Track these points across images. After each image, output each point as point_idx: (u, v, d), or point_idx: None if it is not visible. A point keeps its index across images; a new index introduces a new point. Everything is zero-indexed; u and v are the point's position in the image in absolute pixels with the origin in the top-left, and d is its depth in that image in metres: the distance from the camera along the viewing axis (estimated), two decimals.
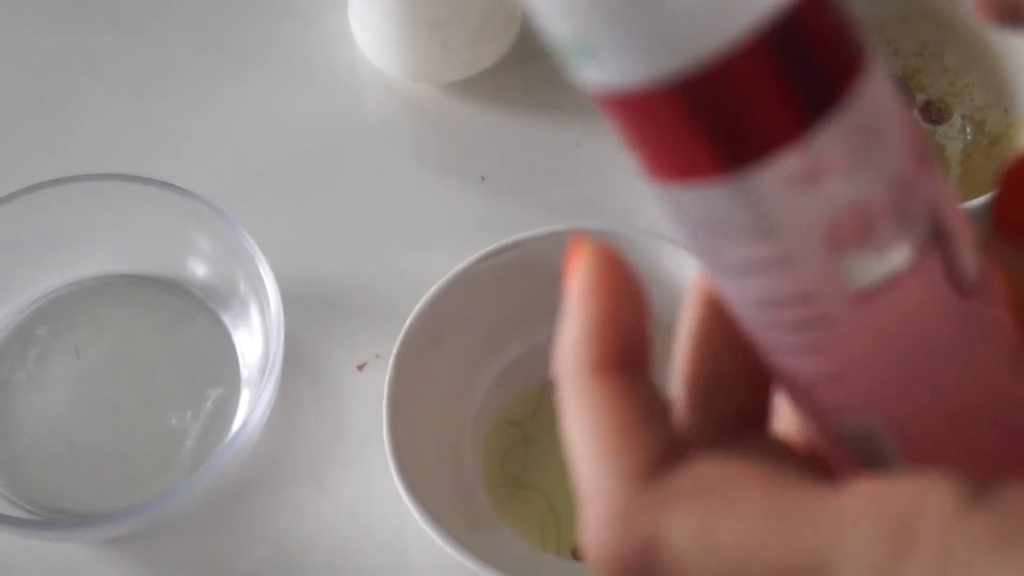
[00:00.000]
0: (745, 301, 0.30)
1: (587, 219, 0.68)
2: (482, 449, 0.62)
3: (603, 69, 0.28)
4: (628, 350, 0.32)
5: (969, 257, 0.29)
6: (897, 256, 0.28)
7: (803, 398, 0.31)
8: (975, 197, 0.62)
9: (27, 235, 0.64)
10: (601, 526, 0.29)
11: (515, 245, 0.62)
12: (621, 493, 0.29)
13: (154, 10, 0.75)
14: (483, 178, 0.70)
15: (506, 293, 0.63)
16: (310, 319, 0.65)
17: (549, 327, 0.64)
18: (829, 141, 0.27)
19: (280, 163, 0.70)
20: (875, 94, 0.28)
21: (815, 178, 0.27)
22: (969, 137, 0.68)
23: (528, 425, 0.63)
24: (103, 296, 0.66)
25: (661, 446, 0.30)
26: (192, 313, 0.65)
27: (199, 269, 0.65)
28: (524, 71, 0.72)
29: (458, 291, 0.61)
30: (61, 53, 0.73)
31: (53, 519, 0.61)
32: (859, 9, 0.74)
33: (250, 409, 0.60)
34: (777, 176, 0.27)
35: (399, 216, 0.69)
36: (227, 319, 0.65)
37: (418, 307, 0.60)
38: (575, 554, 0.60)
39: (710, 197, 0.28)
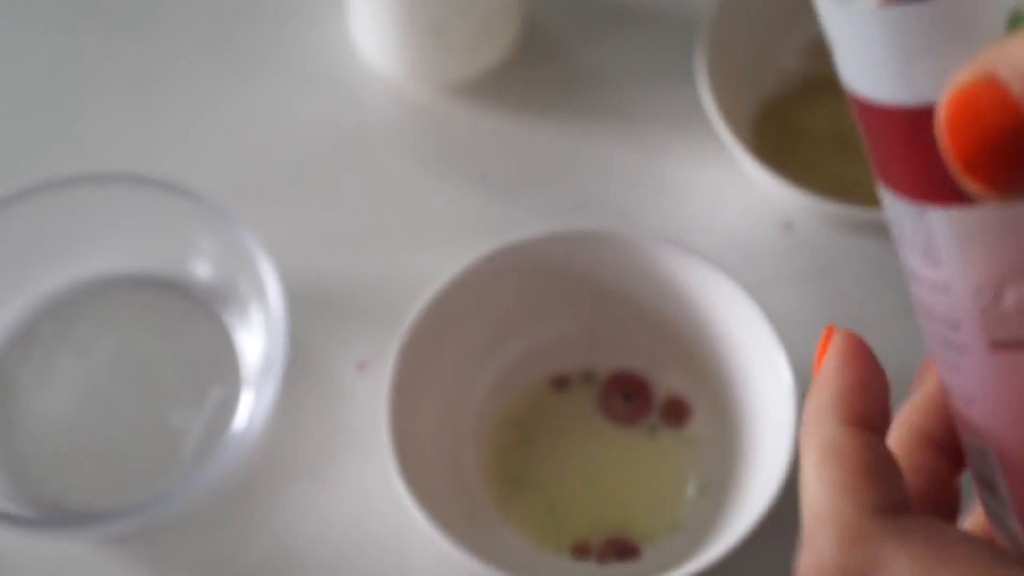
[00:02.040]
0: (919, 303, 0.34)
1: (587, 219, 0.68)
2: (482, 449, 0.62)
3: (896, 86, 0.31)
4: (874, 413, 0.36)
5: None
6: None
7: (951, 404, 0.35)
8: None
9: (30, 235, 0.64)
10: (830, 544, 0.33)
11: (515, 246, 0.62)
12: (857, 519, 0.33)
13: (156, 12, 0.75)
14: (483, 178, 0.70)
15: (506, 293, 0.63)
16: (311, 319, 0.66)
17: (549, 327, 0.64)
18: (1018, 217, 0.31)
19: (281, 164, 0.70)
20: None
21: (985, 238, 0.31)
22: None
23: (528, 424, 0.63)
24: (106, 296, 0.66)
25: (896, 494, 0.34)
26: (194, 313, 0.65)
27: (201, 269, 0.65)
28: (524, 72, 0.72)
29: (458, 291, 0.61)
30: (63, 55, 0.74)
31: (56, 517, 0.61)
32: None
33: (252, 409, 0.60)
34: (956, 221, 0.31)
35: (399, 216, 0.69)
36: (229, 319, 0.65)
37: (418, 307, 0.60)
38: (574, 552, 0.61)
39: (901, 211, 0.32)
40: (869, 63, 0.31)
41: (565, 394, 0.64)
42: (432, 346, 0.61)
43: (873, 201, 0.67)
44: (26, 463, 0.63)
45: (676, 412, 0.63)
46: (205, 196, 0.63)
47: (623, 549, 0.60)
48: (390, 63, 0.71)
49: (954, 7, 0.29)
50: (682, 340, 0.63)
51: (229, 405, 0.63)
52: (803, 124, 0.69)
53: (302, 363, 0.65)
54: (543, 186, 0.70)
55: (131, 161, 0.70)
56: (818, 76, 0.71)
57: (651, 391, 0.64)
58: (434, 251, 0.67)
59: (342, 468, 0.63)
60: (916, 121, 0.31)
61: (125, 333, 0.65)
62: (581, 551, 0.60)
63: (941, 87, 0.30)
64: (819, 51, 0.71)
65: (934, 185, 0.31)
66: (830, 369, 0.36)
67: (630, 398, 0.63)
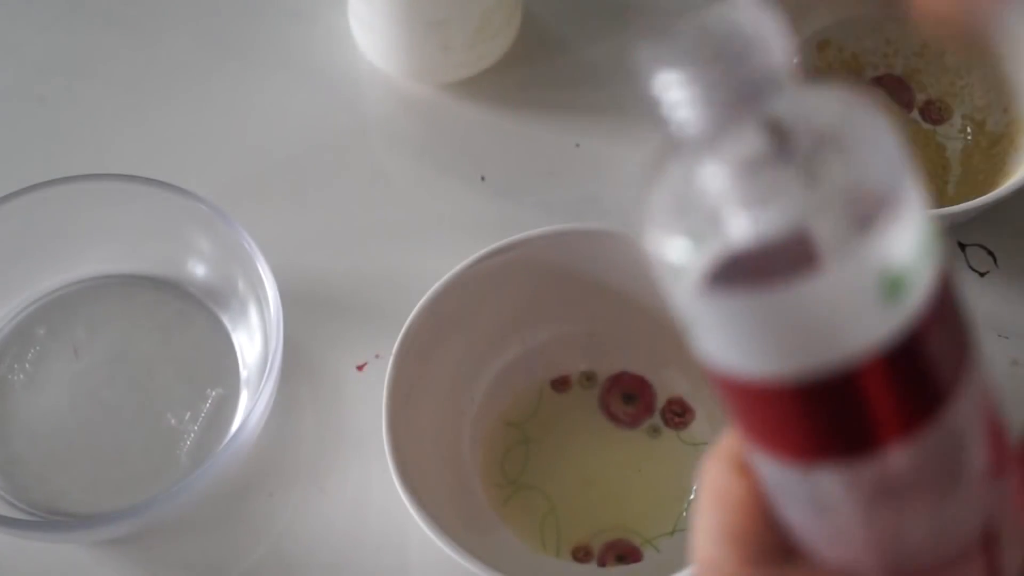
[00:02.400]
0: (795, 521, 0.33)
1: (587, 219, 0.68)
2: (482, 449, 0.62)
3: (738, 358, 0.30)
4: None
5: (1013, 558, 0.32)
6: (943, 554, 0.32)
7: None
8: (975, 197, 0.63)
9: (26, 235, 0.64)
10: None
11: (515, 245, 0.62)
12: (737, 567, 0.33)
13: (153, 10, 0.75)
14: (483, 178, 0.70)
15: (506, 293, 0.63)
16: (309, 319, 0.65)
17: (549, 327, 0.64)
18: (907, 458, 0.30)
19: (279, 163, 0.70)
20: (969, 402, 0.30)
21: (881, 492, 0.31)
22: (969, 137, 0.68)
23: (528, 425, 0.63)
24: (102, 296, 0.66)
25: (779, 542, 0.33)
26: (191, 313, 0.65)
27: (198, 269, 0.65)
28: (524, 71, 0.72)
29: (458, 291, 0.61)
30: (61, 53, 0.73)
31: (51, 520, 0.61)
32: (860, 10, 0.74)
33: (249, 409, 0.60)
34: (841, 478, 0.31)
35: (399, 216, 0.69)
36: (226, 319, 0.65)
37: (418, 307, 0.60)
38: (574, 555, 0.60)
39: (782, 471, 0.32)
40: (735, 342, 0.30)
41: (565, 395, 0.64)
42: (432, 346, 0.61)
43: None
44: (22, 464, 0.62)
45: (677, 413, 0.63)
46: (202, 195, 0.63)
47: (624, 551, 0.60)
48: (390, 61, 0.71)
49: (819, 275, 0.27)
50: (683, 341, 0.63)
51: (226, 406, 0.63)
52: None
53: (301, 363, 0.64)
54: (543, 185, 0.69)
55: (128, 160, 0.70)
56: (820, 72, 0.70)
57: (652, 392, 0.64)
58: (434, 250, 0.67)
59: (341, 469, 0.63)
60: (786, 390, 0.29)
61: (122, 333, 0.65)
62: (581, 554, 0.60)
63: (816, 352, 0.28)
64: (820, 48, 0.70)
65: (811, 446, 0.31)
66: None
67: (631, 399, 0.63)
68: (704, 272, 0.28)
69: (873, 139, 0.28)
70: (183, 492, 0.58)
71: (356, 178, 0.70)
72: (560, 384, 0.64)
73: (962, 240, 0.67)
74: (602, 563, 0.60)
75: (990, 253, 0.67)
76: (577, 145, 0.70)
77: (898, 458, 0.30)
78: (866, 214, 0.27)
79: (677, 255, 0.29)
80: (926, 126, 0.69)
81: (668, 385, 0.63)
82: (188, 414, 0.63)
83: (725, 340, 0.30)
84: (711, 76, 0.27)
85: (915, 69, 0.70)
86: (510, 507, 0.61)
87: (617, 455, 0.62)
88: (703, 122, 0.28)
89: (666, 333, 0.63)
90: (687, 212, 0.29)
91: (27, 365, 0.64)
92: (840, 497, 0.31)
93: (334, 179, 0.70)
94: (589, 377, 0.64)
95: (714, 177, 0.28)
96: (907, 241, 0.28)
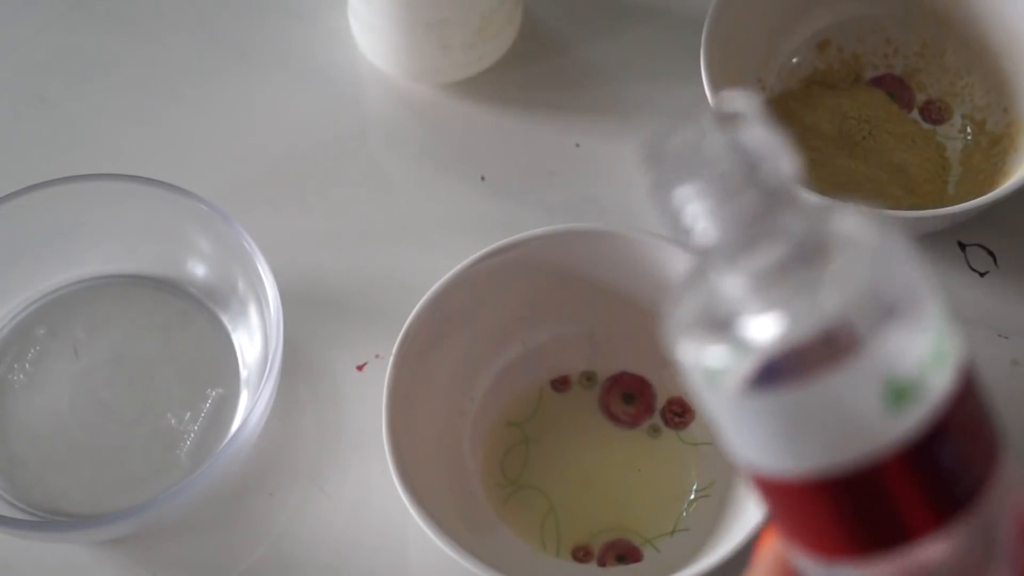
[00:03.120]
0: None
1: (587, 219, 0.68)
2: (482, 449, 0.62)
3: (768, 455, 0.31)
4: None
5: None
6: None
7: None
8: (975, 197, 0.63)
9: (26, 235, 0.64)
10: None
11: (515, 245, 0.62)
12: None
13: (154, 10, 0.75)
14: (483, 178, 0.70)
15: (506, 293, 0.63)
16: (309, 319, 0.66)
17: (549, 327, 0.64)
18: (931, 556, 0.31)
19: (279, 163, 0.70)
20: (1001, 491, 0.31)
21: None
22: (969, 137, 0.68)
23: (528, 425, 0.63)
24: (102, 296, 0.66)
25: None
26: (191, 313, 0.65)
27: (198, 269, 0.65)
28: (524, 71, 0.72)
29: (458, 291, 0.61)
30: (61, 53, 0.74)
31: (51, 520, 0.61)
32: (861, 10, 0.74)
33: (249, 409, 0.60)
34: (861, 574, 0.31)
35: (399, 216, 0.69)
36: (226, 319, 0.65)
37: (418, 307, 0.60)
38: (574, 555, 0.60)
39: (812, 569, 0.32)
40: (753, 441, 0.31)
41: (565, 395, 0.64)
42: (431, 346, 0.61)
43: (877, 198, 0.66)
44: (22, 465, 0.62)
45: (677, 413, 0.63)
46: (202, 195, 0.63)
47: (624, 551, 0.60)
48: (390, 61, 0.71)
49: (830, 380, 0.29)
50: None
51: (227, 406, 0.63)
52: (806, 121, 0.69)
53: (301, 363, 0.64)
54: (543, 185, 0.69)
55: (128, 160, 0.70)
56: (821, 73, 0.70)
57: (652, 392, 0.64)
58: (433, 250, 0.67)
59: (341, 469, 0.63)
60: (809, 485, 0.31)
61: (122, 333, 0.65)
62: (582, 553, 0.60)
63: (827, 454, 0.30)
64: (821, 47, 0.70)
65: (835, 540, 0.31)
66: (763, 566, 0.35)
67: (631, 399, 0.63)
68: (743, 375, 0.29)
69: (886, 251, 0.29)
70: (183, 492, 0.58)
71: (356, 178, 0.70)
72: (560, 384, 0.64)
73: (962, 240, 0.67)
74: (602, 563, 0.60)
75: (990, 253, 0.67)
76: (577, 145, 0.70)
77: (920, 555, 0.31)
78: (875, 322, 0.28)
79: (712, 362, 0.30)
80: (926, 126, 0.69)
81: (668, 385, 0.64)
82: (188, 414, 0.63)
83: (756, 438, 0.31)
84: (727, 189, 0.29)
85: (915, 69, 0.70)
86: (510, 507, 0.61)
87: (617, 455, 0.62)
88: (721, 233, 0.29)
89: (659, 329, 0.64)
90: (715, 321, 0.30)
91: (27, 365, 0.64)
92: None
93: (334, 179, 0.70)
94: (589, 377, 0.64)
95: (736, 286, 0.30)
96: (915, 350, 0.29)
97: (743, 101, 0.30)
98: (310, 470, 0.63)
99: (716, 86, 0.64)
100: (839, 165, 0.67)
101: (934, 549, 0.31)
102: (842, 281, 0.29)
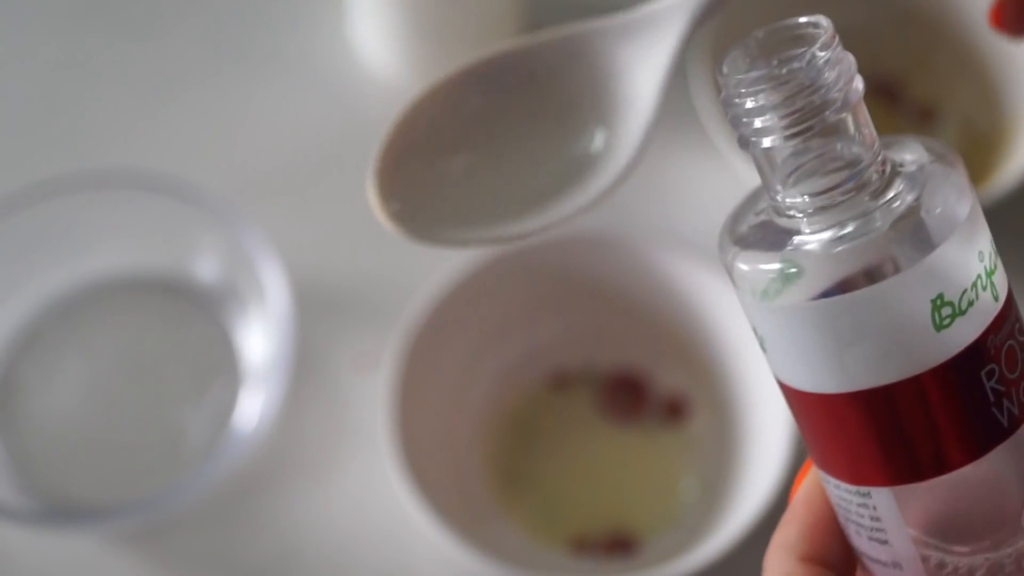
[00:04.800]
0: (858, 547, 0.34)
1: (587, 220, 0.68)
2: (482, 447, 0.63)
3: (823, 373, 0.31)
4: (835, 552, 0.35)
5: None
6: None
7: None
8: None
9: (36, 236, 0.64)
10: None
11: (515, 246, 0.62)
12: None
13: (160, 16, 0.75)
14: None
15: (506, 293, 0.63)
16: (312, 319, 0.66)
17: (549, 327, 0.65)
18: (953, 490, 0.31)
19: (282, 166, 0.70)
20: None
21: (926, 510, 0.31)
22: (960, 138, 0.69)
23: (528, 423, 0.63)
24: (111, 296, 0.66)
25: None
26: (199, 313, 0.65)
27: (205, 270, 0.66)
28: None
29: (458, 291, 0.61)
30: (66, 57, 0.74)
31: (61, 515, 0.61)
32: (851, 16, 0.74)
33: (255, 408, 0.60)
34: (898, 498, 0.31)
35: None
36: (232, 319, 0.65)
37: (418, 307, 0.61)
38: (574, 549, 0.61)
39: (845, 495, 0.32)
40: (802, 356, 0.31)
41: (565, 393, 0.64)
42: (432, 346, 0.61)
43: None
44: (32, 462, 0.63)
45: (675, 410, 0.63)
46: (209, 198, 0.63)
47: (621, 545, 0.61)
48: (390, 65, 0.71)
49: (881, 295, 0.29)
50: (681, 339, 0.64)
51: (232, 404, 0.63)
52: None
53: (303, 362, 0.64)
54: None
55: (135, 163, 0.70)
56: None
57: (650, 390, 0.64)
58: (434, 252, 0.67)
59: (343, 467, 0.63)
60: (854, 406, 0.31)
61: (130, 334, 0.65)
62: (580, 547, 0.61)
63: (874, 373, 0.30)
64: None
65: (875, 466, 0.31)
66: (799, 502, 0.35)
67: (630, 397, 0.64)
68: (800, 288, 0.30)
69: (944, 176, 0.30)
70: (188, 489, 0.58)
71: (357, 181, 0.70)
72: (560, 383, 0.64)
73: None
74: (600, 556, 0.60)
75: None
76: None
77: (958, 480, 0.31)
78: (930, 241, 0.29)
79: (769, 275, 0.31)
80: (918, 127, 0.69)
81: (667, 383, 0.64)
82: (195, 412, 0.64)
83: (806, 353, 0.31)
84: (800, 108, 0.29)
85: (906, 71, 0.70)
86: (509, 502, 0.62)
87: (616, 452, 0.63)
88: (790, 151, 0.30)
89: (664, 332, 0.64)
90: (775, 236, 0.31)
91: (38, 364, 0.65)
92: (894, 521, 0.32)
93: (336, 182, 0.70)
94: (589, 376, 0.64)
95: (800, 203, 0.30)
96: (965, 271, 0.30)
97: (821, 21, 0.31)
98: (314, 466, 0.63)
99: (709, 91, 0.65)
100: None
101: (973, 475, 0.31)
102: (900, 202, 0.30)
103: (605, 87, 0.34)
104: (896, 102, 0.70)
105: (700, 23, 0.34)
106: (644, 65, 0.34)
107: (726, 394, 0.62)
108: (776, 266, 0.30)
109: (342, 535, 0.62)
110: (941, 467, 0.31)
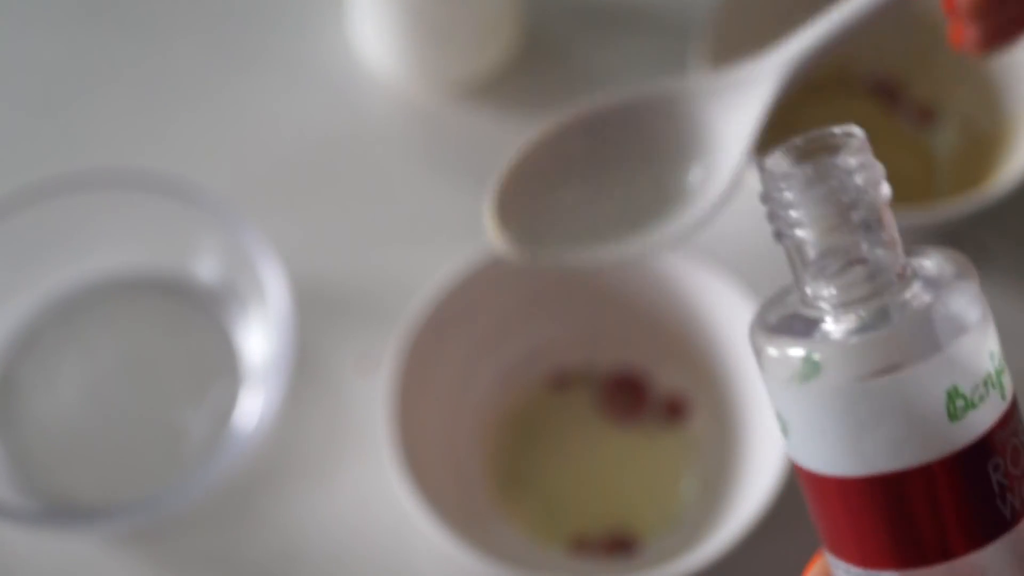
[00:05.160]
0: None
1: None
2: (482, 447, 0.63)
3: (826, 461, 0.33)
4: None
5: None
6: None
7: None
8: (967, 197, 0.63)
9: (36, 236, 0.64)
10: None
11: None
12: None
13: (159, 16, 0.75)
14: (483, 181, 0.70)
15: (506, 293, 0.63)
16: (312, 319, 0.66)
17: (549, 326, 0.65)
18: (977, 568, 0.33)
19: (282, 166, 0.70)
20: None
21: None
22: (961, 138, 0.69)
23: (528, 424, 0.63)
24: (111, 296, 0.66)
25: None
26: (198, 313, 0.66)
27: (205, 270, 0.66)
28: (525, 75, 0.72)
29: (458, 291, 0.61)
30: (66, 57, 0.74)
31: (61, 515, 0.61)
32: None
33: (256, 408, 0.60)
34: None
35: (400, 218, 0.69)
36: (232, 320, 0.65)
37: (418, 307, 0.61)
38: (574, 549, 0.61)
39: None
40: (822, 439, 0.33)
41: (564, 393, 0.64)
42: (432, 346, 0.61)
43: None
44: (32, 462, 0.63)
45: (675, 410, 0.63)
46: (209, 198, 0.63)
47: (622, 545, 0.61)
48: (391, 66, 0.71)
49: (898, 384, 0.32)
50: (681, 339, 0.64)
51: (232, 404, 0.63)
52: (803, 125, 0.69)
53: (303, 363, 0.65)
54: None
55: (135, 163, 0.70)
56: (819, 77, 0.71)
57: (650, 390, 0.64)
58: (434, 252, 0.67)
59: (343, 468, 0.63)
60: (869, 490, 0.33)
61: (129, 334, 0.66)
62: (580, 547, 0.61)
63: (890, 458, 0.32)
64: None
65: (884, 549, 0.33)
66: None
67: (630, 397, 0.64)
68: (831, 374, 0.33)
69: (959, 283, 0.33)
70: (188, 489, 0.58)
71: (358, 182, 0.70)
72: (560, 383, 0.64)
73: (953, 242, 0.68)
74: (600, 557, 0.60)
75: (983, 252, 0.68)
76: None
77: (960, 570, 0.33)
78: (942, 337, 0.32)
79: (795, 360, 0.33)
80: (918, 127, 0.69)
81: (667, 383, 0.64)
82: (195, 412, 0.64)
83: (823, 435, 0.33)
84: (830, 216, 0.33)
85: (907, 71, 0.70)
86: (510, 503, 0.62)
87: (616, 452, 0.63)
88: (821, 254, 0.33)
89: (665, 332, 0.64)
90: (804, 325, 0.34)
91: (37, 365, 0.65)
92: None
93: (337, 183, 0.70)
94: (589, 376, 0.64)
95: (827, 297, 0.33)
96: (977, 368, 0.32)
97: (854, 131, 0.34)
98: (313, 467, 0.63)
99: None
100: None
101: (975, 564, 0.33)
102: (917, 302, 0.33)
103: (699, 135, 0.38)
104: (896, 102, 0.70)
105: (787, 85, 0.38)
106: (735, 119, 0.39)
107: (726, 394, 0.62)
108: (801, 352, 0.33)
109: (342, 536, 0.62)
110: (946, 553, 0.33)
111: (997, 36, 0.43)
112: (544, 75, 0.72)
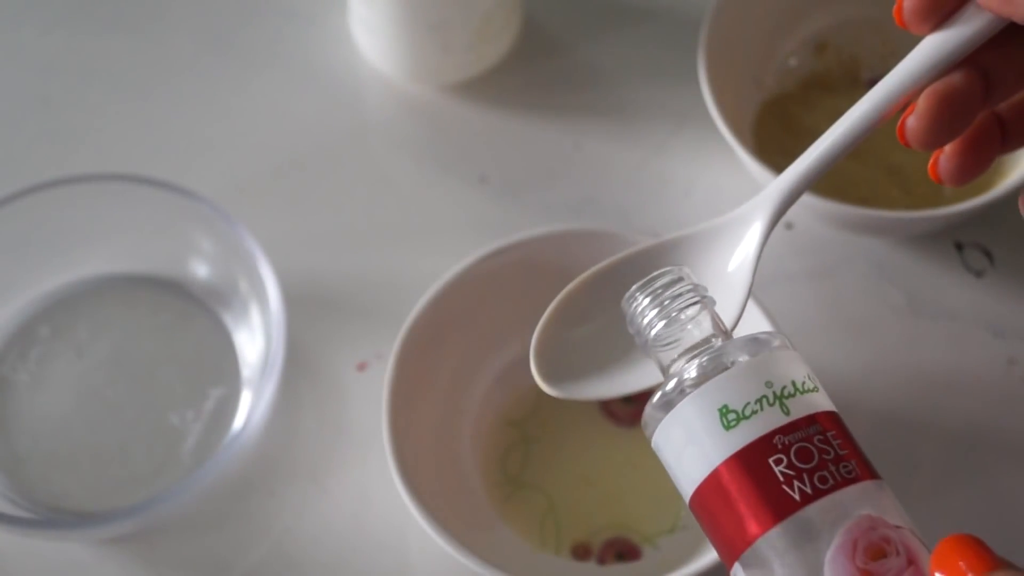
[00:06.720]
0: None
1: (587, 219, 0.68)
2: (482, 449, 0.63)
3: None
4: None
5: None
6: None
7: None
8: (971, 198, 0.63)
9: (30, 235, 0.64)
10: None
11: (515, 245, 0.62)
12: None
13: (156, 13, 0.75)
14: (483, 178, 0.70)
15: (506, 293, 0.63)
16: (310, 319, 0.66)
17: None
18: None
19: (281, 164, 0.70)
20: (837, 505, 0.41)
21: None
22: None
23: (528, 424, 0.63)
24: (105, 296, 0.66)
25: None
26: (193, 313, 0.65)
27: (200, 269, 0.65)
28: (524, 72, 0.72)
29: (458, 291, 0.61)
30: (64, 55, 0.74)
31: (54, 518, 0.61)
32: (858, 12, 0.74)
33: (251, 409, 0.60)
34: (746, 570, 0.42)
35: (399, 216, 0.69)
36: (228, 319, 0.65)
37: (418, 307, 0.61)
38: (574, 553, 0.61)
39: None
40: (678, 469, 0.44)
41: None
42: (432, 346, 0.61)
43: (873, 201, 0.67)
44: (25, 464, 0.63)
45: None
46: (204, 196, 0.63)
47: (623, 550, 0.61)
48: (390, 63, 0.71)
49: (684, 410, 0.43)
50: None
51: (228, 405, 0.63)
52: (804, 122, 0.69)
53: (301, 363, 0.65)
54: (543, 185, 0.70)
55: (130, 161, 0.70)
56: (819, 74, 0.70)
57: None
58: (434, 251, 0.67)
59: (341, 468, 0.63)
60: (698, 502, 0.42)
61: (124, 333, 0.65)
62: (581, 552, 0.61)
63: (697, 470, 0.42)
64: (820, 49, 0.71)
65: (726, 547, 0.42)
66: None
67: (630, 398, 0.63)
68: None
69: (741, 342, 0.44)
70: (184, 491, 0.58)
71: (357, 179, 0.70)
72: None
73: (959, 240, 0.67)
74: (602, 561, 0.60)
75: (986, 253, 0.67)
76: (577, 145, 0.71)
77: (761, 548, 0.41)
78: (713, 371, 0.43)
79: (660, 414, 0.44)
80: None
81: None
82: (190, 413, 0.63)
83: (688, 460, 0.43)
84: (669, 317, 0.45)
85: None
86: (510, 505, 0.62)
87: (616, 454, 0.62)
88: (662, 336, 0.45)
89: None
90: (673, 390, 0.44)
91: (30, 365, 0.65)
92: None
93: (335, 180, 0.70)
94: None
95: (669, 359, 0.45)
96: (740, 396, 0.42)
97: (672, 270, 0.45)
98: (311, 469, 0.63)
99: (714, 87, 0.65)
100: (836, 166, 0.67)
101: (771, 542, 0.41)
102: (703, 353, 0.44)
103: (703, 270, 0.47)
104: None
105: (781, 215, 0.46)
106: (735, 251, 0.47)
107: None
108: (662, 406, 0.44)
109: (340, 538, 0.62)
110: (746, 537, 0.41)
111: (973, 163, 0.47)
112: (544, 70, 0.73)
